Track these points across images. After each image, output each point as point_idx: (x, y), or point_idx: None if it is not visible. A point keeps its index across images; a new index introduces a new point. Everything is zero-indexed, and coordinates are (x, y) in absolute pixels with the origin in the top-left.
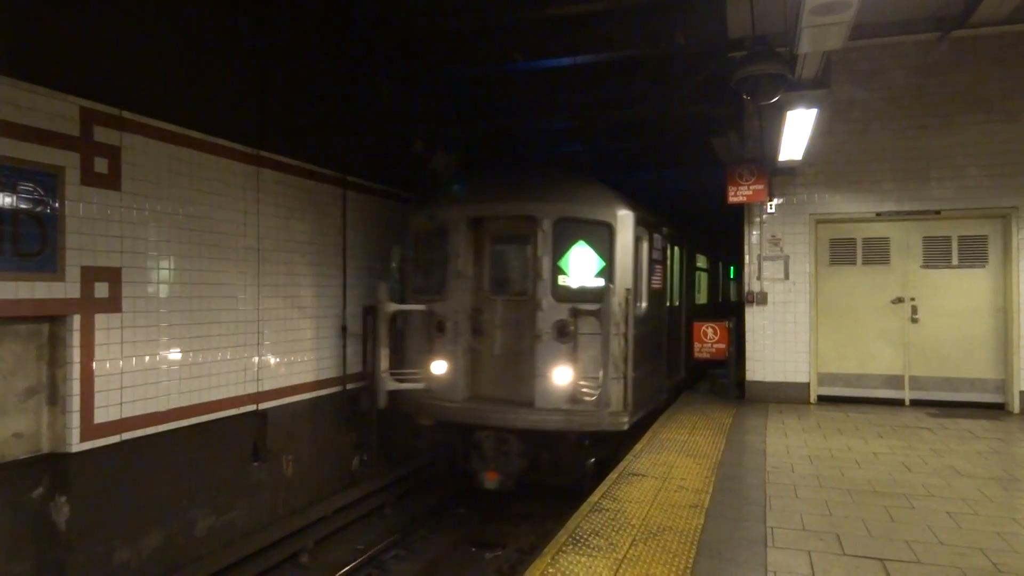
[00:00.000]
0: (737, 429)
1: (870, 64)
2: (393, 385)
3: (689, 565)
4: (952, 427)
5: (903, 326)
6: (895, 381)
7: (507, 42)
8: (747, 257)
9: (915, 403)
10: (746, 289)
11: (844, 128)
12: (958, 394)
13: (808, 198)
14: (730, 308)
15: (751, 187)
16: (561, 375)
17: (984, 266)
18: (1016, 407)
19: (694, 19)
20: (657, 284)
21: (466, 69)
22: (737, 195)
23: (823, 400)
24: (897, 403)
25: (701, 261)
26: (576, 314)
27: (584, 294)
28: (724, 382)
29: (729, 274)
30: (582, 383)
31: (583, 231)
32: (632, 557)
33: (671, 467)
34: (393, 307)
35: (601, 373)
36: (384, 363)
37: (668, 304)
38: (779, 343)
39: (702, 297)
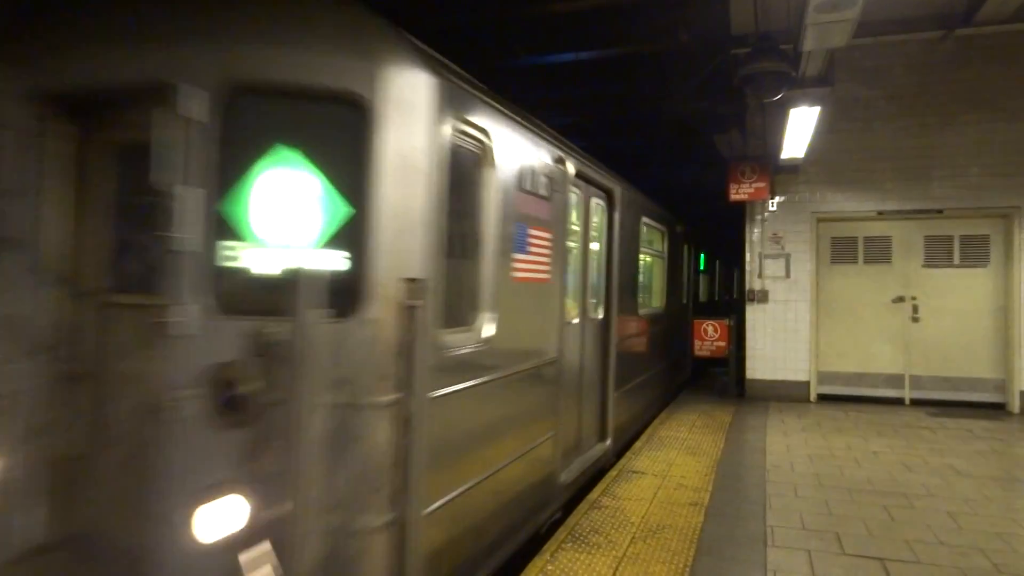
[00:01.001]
0: (737, 427)
1: (873, 62)
2: None
3: (688, 563)
4: (952, 427)
5: (904, 325)
6: (895, 380)
7: (509, 38)
8: (748, 255)
9: (915, 402)
10: (747, 287)
11: (847, 126)
12: (958, 394)
13: (810, 196)
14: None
15: (753, 184)
16: (211, 523)
17: (986, 266)
18: (1016, 407)
19: (697, 15)
20: (537, 270)
21: (467, 64)
22: (739, 192)
23: (823, 399)
24: (897, 402)
25: (654, 238)
26: (267, 349)
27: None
28: (724, 380)
29: (699, 264)
30: (248, 553)
31: (293, 122)
32: (631, 555)
33: (671, 465)
34: None
35: (305, 522)
36: None
37: (575, 316)
38: (780, 341)
39: (655, 298)
